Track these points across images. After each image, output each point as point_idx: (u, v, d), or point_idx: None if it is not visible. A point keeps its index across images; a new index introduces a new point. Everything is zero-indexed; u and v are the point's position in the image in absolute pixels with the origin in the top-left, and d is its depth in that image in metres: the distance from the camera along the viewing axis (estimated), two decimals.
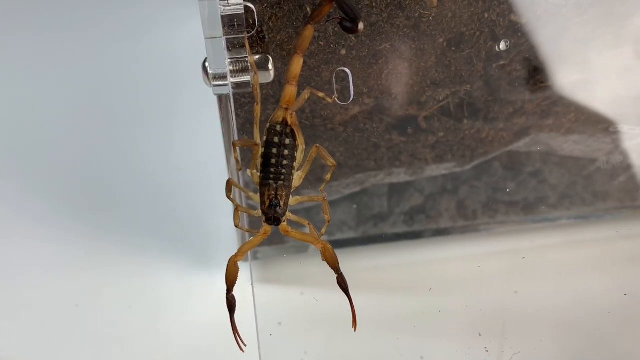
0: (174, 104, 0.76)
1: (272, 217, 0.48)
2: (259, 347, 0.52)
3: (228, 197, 0.49)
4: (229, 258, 0.49)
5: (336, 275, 0.48)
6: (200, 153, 0.73)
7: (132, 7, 0.80)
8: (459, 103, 0.58)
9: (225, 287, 0.48)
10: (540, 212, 0.67)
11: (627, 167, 0.66)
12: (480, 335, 0.54)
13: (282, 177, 0.48)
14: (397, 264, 0.66)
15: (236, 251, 0.48)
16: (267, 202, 0.48)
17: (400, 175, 0.63)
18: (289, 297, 0.63)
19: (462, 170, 0.63)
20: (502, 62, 0.56)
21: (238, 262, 0.48)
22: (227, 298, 0.48)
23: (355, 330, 0.48)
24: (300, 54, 0.48)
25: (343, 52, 0.53)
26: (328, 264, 0.48)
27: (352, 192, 0.64)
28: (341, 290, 0.49)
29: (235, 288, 0.49)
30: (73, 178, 0.73)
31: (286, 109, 0.48)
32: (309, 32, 0.48)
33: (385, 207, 0.65)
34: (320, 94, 0.49)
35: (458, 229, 0.67)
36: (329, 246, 0.48)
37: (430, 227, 0.67)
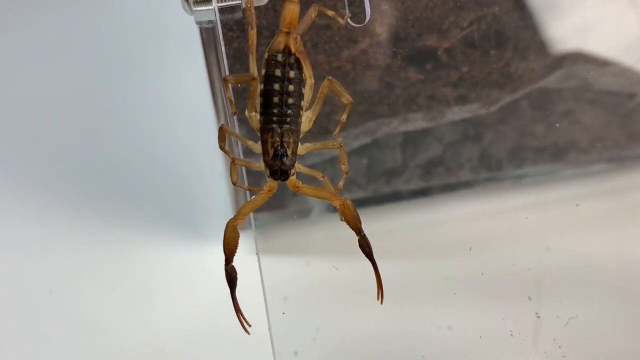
0: (147, 52, 0.71)
1: (279, 169, 0.41)
2: (269, 328, 0.47)
3: (222, 148, 0.42)
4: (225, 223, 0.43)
5: (358, 237, 0.43)
6: (184, 110, 0.68)
7: None
8: (486, 30, 0.53)
9: (223, 258, 0.43)
10: (570, 158, 0.63)
11: None
12: (530, 299, 0.48)
13: (288, 119, 0.41)
14: (413, 224, 0.62)
15: (235, 213, 0.42)
16: (272, 152, 0.41)
17: (416, 122, 0.57)
18: (294, 269, 0.59)
19: (487, 113, 0.58)
20: None
21: (238, 227, 0.42)
22: (227, 270, 0.42)
23: (382, 302, 0.43)
24: None
25: None
26: (348, 223, 0.42)
27: (361, 144, 0.59)
28: (361, 257, 0.43)
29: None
30: (40, 145, 0.68)
31: (288, 32, 0.41)
32: None
33: (399, 160, 0.61)
34: (330, 13, 0.41)
35: (481, 182, 0.63)
36: (349, 202, 0.42)
37: (449, 181, 0.62)
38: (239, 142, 0.43)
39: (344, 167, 0.43)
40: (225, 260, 0.42)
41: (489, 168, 0.62)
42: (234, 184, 0.42)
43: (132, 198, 0.65)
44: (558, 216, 0.58)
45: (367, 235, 0.43)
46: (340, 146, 0.42)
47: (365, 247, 0.42)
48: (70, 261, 0.62)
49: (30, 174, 0.66)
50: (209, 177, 0.66)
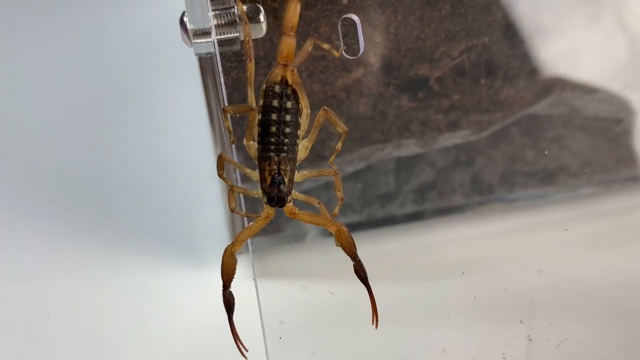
0: (147, 79, 0.71)
1: (276, 196, 0.42)
2: (266, 353, 0.46)
3: (220, 175, 0.42)
4: (223, 249, 0.43)
5: (353, 263, 0.43)
6: (182, 136, 0.68)
7: None
8: (476, 60, 0.53)
9: (221, 284, 0.43)
10: (560, 182, 0.63)
11: None
12: (521, 322, 0.48)
13: (285, 147, 0.42)
14: (407, 248, 0.62)
15: (233, 240, 0.42)
16: (269, 179, 0.41)
17: (409, 148, 0.58)
18: (290, 293, 0.59)
19: (477, 139, 0.58)
20: (524, 9, 0.50)
21: (236, 253, 0.42)
22: (224, 295, 0.43)
23: (376, 326, 0.44)
24: None
25: (345, 1, 0.46)
26: (343, 249, 0.43)
27: (356, 170, 0.59)
28: (357, 280, 0.43)
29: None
30: (37, 169, 0.68)
31: (285, 65, 0.42)
32: None
33: (393, 185, 0.61)
34: (326, 46, 0.42)
35: (473, 206, 0.63)
36: (344, 228, 0.42)
37: (442, 205, 0.62)
38: (237, 170, 0.43)
39: (339, 194, 0.43)
40: (223, 286, 0.42)
41: (480, 192, 0.62)
42: (232, 211, 0.42)
43: (130, 222, 0.65)
44: (549, 239, 0.58)
45: (362, 258, 0.43)
46: (336, 174, 0.43)
47: (360, 272, 0.43)
48: (68, 285, 0.62)
49: (26, 199, 0.66)
50: (206, 201, 0.65)
